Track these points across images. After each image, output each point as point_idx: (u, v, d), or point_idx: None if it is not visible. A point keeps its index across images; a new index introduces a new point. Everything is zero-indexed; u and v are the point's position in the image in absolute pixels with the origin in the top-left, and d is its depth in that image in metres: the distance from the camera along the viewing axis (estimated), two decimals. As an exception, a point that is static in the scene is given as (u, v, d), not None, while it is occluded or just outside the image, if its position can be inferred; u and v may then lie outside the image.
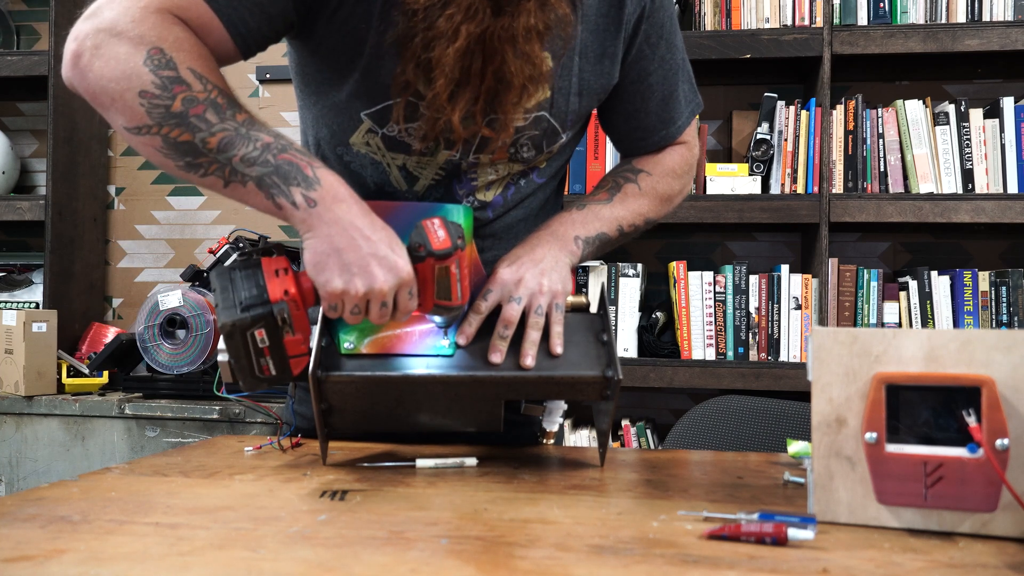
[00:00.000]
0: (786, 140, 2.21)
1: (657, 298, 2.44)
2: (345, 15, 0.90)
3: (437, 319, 0.90)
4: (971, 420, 0.63)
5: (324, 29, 0.91)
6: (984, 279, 2.15)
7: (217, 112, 0.80)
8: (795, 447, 0.95)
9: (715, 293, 2.23)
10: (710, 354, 2.22)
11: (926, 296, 2.17)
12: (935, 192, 2.14)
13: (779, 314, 2.20)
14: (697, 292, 2.23)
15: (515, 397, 0.92)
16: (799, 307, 2.19)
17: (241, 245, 2.16)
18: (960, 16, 2.15)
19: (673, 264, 2.24)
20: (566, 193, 1.81)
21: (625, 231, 1.06)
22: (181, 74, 0.80)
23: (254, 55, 0.92)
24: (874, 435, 0.66)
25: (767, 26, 2.20)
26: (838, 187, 2.18)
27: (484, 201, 1.02)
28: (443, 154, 0.97)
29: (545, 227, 1.01)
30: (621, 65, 1.02)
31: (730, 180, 2.22)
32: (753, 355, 2.20)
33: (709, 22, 2.25)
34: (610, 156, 2.28)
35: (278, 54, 2.59)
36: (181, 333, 2.11)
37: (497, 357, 0.89)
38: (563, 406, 1.03)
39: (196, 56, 0.82)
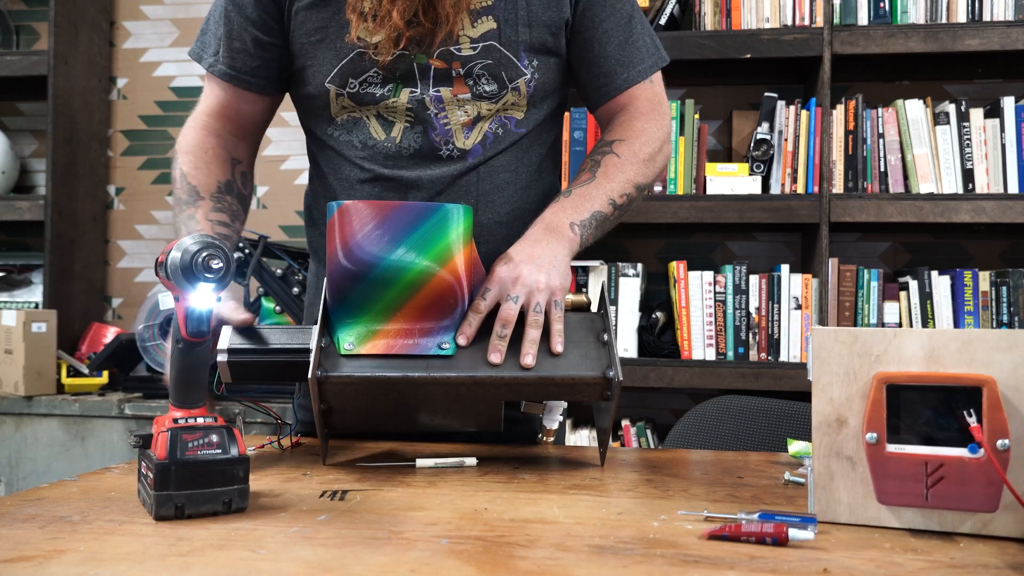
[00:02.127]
0: (786, 140, 2.21)
1: (657, 298, 2.44)
2: (301, 18, 1.05)
3: None
4: (972, 420, 0.63)
5: (290, 33, 1.07)
6: (984, 279, 2.15)
7: (178, 206, 1.07)
8: (795, 447, 0.95)
9: (715, 293, 2.23)
10: (710, 354, 2.21)
11: (926, 296, 2.16)
12: (935, 192, 2.14)
13: (779, 314, 2.20)
14: (697, 292, 2.23)
15: (515, 398, 0.92)
16: (799, 307, 2.19)
17: (241, 244, 2.16)
18: (960, 16, 2.15)
19: (673, 264, 2.24)
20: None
21: (619, 203, 1.07)
22: (174, 173, 1.10)
23: (285, 90, 1.15)
24: (875, 435, 0.66)
25: (767, 26, 2.20)
26: (838, 187, 2.18)
27: (463, 149, 1.07)
28: (404, 92, 1.05)
29: (538, 222, 1.02)
30: (573, 12, 1.09)
31: (730, 180, 2.22)
32: (753, 355, 2.20)
33: (709, 22, 2.24)
34: (610, 156, 2.28)
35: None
36: (181, 333, 2.10)
37: (496, 357, 0.89)
38: (563, 404, 1.02)
39: (189, 156, 1.10)
